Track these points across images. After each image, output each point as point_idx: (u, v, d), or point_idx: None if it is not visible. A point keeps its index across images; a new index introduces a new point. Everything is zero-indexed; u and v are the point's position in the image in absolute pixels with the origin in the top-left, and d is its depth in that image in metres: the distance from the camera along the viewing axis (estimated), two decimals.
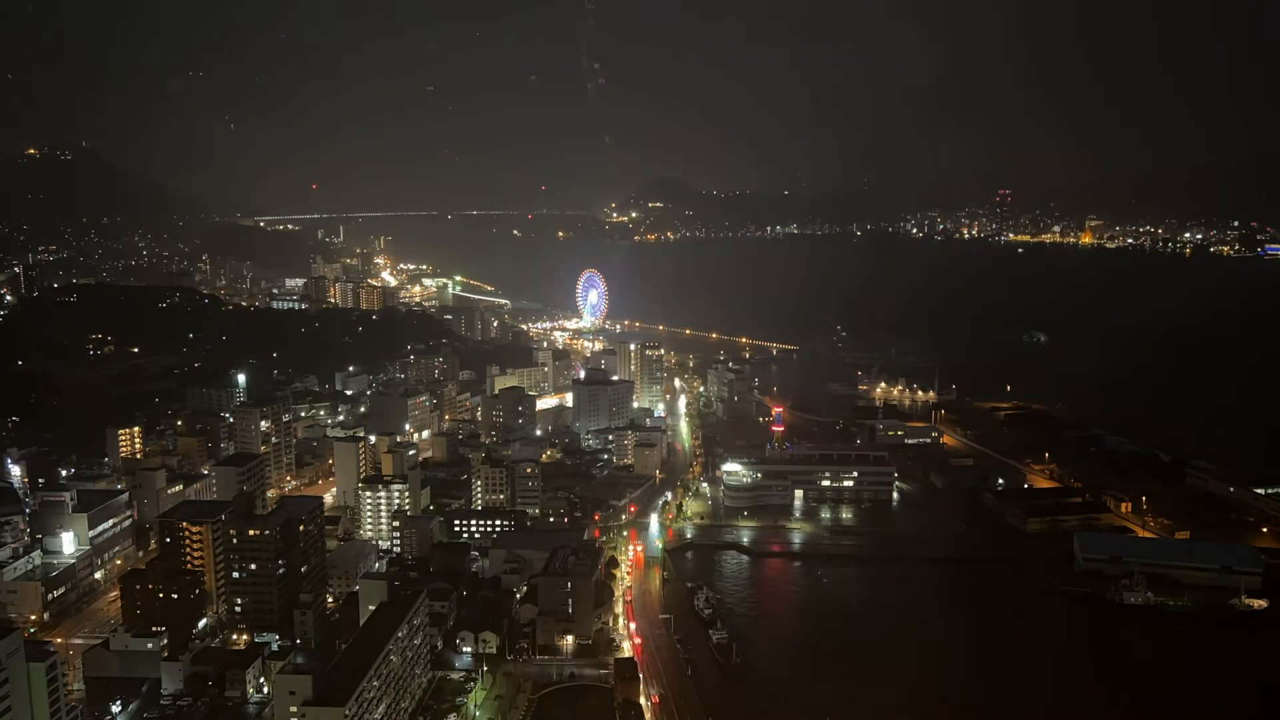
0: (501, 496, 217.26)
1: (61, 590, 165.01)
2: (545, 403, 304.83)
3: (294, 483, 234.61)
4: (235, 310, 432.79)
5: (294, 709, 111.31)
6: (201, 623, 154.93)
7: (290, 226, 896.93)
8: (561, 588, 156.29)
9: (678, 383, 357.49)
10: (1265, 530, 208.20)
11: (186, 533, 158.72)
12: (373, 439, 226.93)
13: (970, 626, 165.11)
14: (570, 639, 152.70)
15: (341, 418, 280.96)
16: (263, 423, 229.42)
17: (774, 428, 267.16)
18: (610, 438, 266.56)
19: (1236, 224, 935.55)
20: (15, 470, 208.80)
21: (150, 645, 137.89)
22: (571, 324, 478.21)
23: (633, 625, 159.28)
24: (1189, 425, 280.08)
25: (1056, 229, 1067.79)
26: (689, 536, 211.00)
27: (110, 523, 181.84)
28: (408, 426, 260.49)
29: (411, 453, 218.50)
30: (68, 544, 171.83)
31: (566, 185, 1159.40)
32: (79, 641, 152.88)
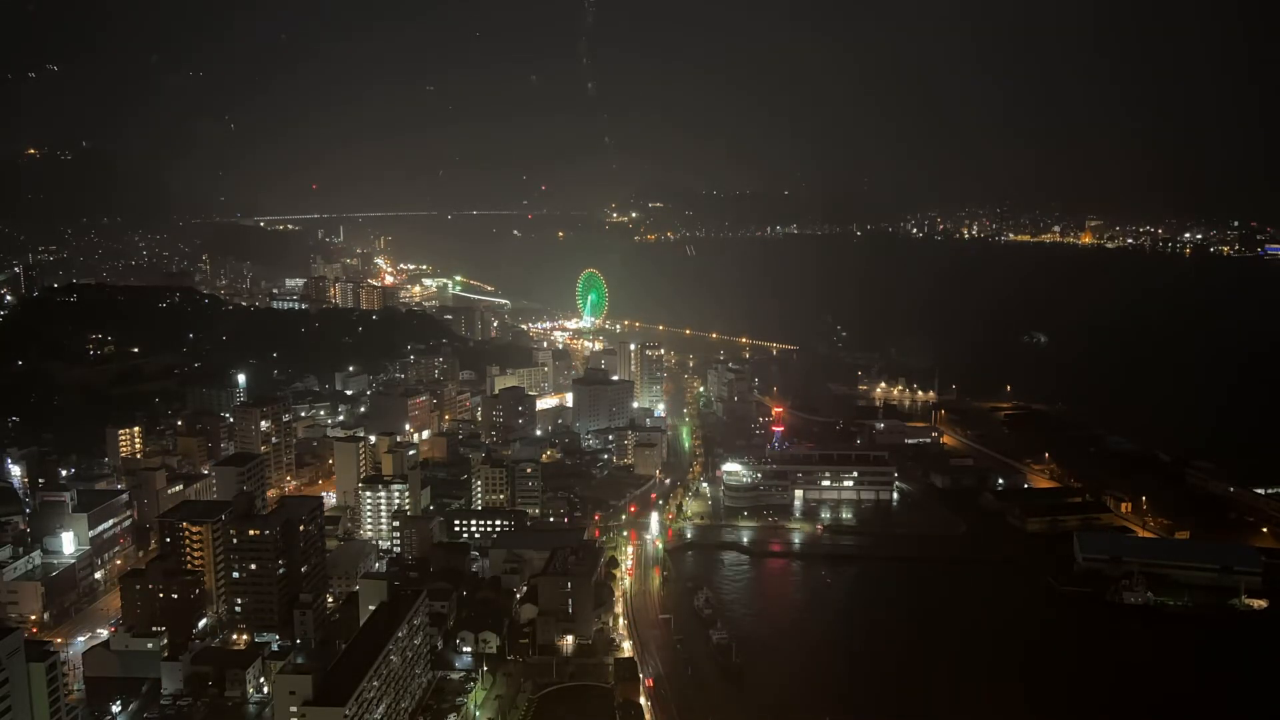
0: (501, 496, 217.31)
1: (61, 590, 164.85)
2: (545, 403, 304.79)
3: (294, 483, 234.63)
4: (235, 310, 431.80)
5: (294, 709, 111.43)
6: (201, 623, 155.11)
7: (290, 226, 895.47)
8: (561, 588, 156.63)
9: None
10: (1265, 530, 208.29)
11: (186, 533, 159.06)
12: (373, 439, 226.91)
13: (970, 627, 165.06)
14: (570, 639, 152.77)
15: (341, 418, 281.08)
16: (263, 423, 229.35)
17: (774, 428, 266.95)
18: (610, 438, 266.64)
19: (1236, 224, 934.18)
20: (15, 470, 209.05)
21: (150, 645, 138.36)
22: (571, 324, 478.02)
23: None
24: (1189, 425, 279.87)
25: (1056, 229, 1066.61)
26: (689, 536, 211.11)
27: (110, 523, 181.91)
28: (408, 426, 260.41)
29: (411, 453, 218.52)
30: (68, 544, 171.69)
31: (566, 185, 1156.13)
32: (79, 641, 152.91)
